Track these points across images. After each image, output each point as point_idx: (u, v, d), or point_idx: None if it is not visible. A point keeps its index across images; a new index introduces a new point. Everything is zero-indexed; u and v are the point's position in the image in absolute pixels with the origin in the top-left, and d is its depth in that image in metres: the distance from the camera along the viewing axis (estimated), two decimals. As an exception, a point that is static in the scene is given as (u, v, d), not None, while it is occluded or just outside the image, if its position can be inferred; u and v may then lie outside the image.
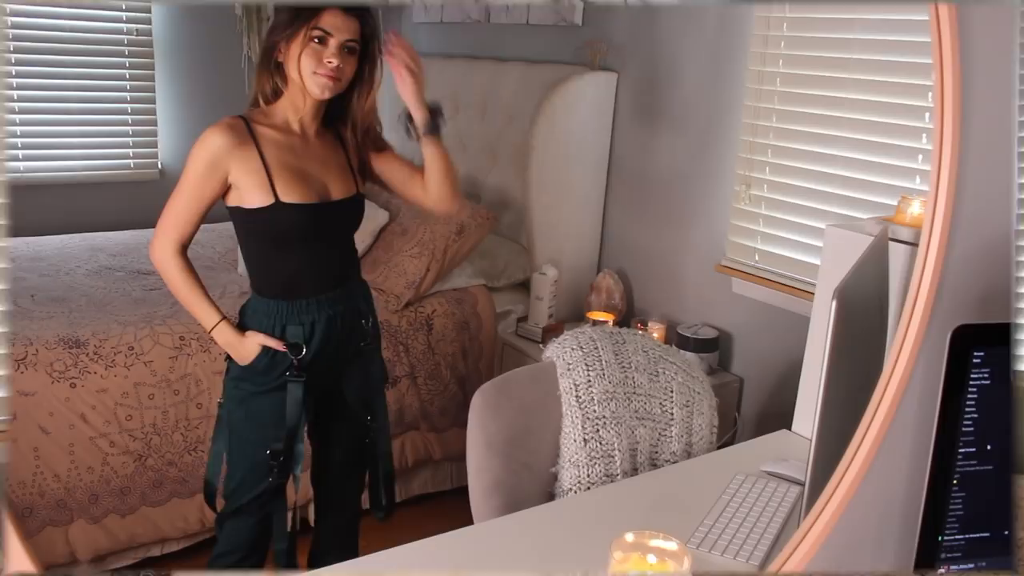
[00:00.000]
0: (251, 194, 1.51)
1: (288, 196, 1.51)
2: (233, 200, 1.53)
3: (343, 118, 1.60)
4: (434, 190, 1.66)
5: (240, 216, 1.54)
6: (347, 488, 1.85)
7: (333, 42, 1.48)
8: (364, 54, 1.55)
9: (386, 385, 1.83)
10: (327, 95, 1.52)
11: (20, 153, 3.04)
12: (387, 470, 1.83)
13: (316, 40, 1.48)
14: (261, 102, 1.56)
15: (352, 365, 1.70)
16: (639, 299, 2.65)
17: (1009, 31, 1.04)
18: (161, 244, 1.53)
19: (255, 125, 1.53)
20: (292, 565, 1.70)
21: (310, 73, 1.49)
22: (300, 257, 1.57)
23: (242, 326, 1.59)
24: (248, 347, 1.56)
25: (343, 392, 1.72)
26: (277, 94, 1.55)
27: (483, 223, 2.59)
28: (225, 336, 1.57)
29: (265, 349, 1.56)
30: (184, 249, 1.55)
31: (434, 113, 1.60)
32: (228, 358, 1.61)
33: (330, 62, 1.48)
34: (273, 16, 1.51)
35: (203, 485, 1.70)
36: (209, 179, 1.50)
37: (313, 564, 1.82)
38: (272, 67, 1.53)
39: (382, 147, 1.69)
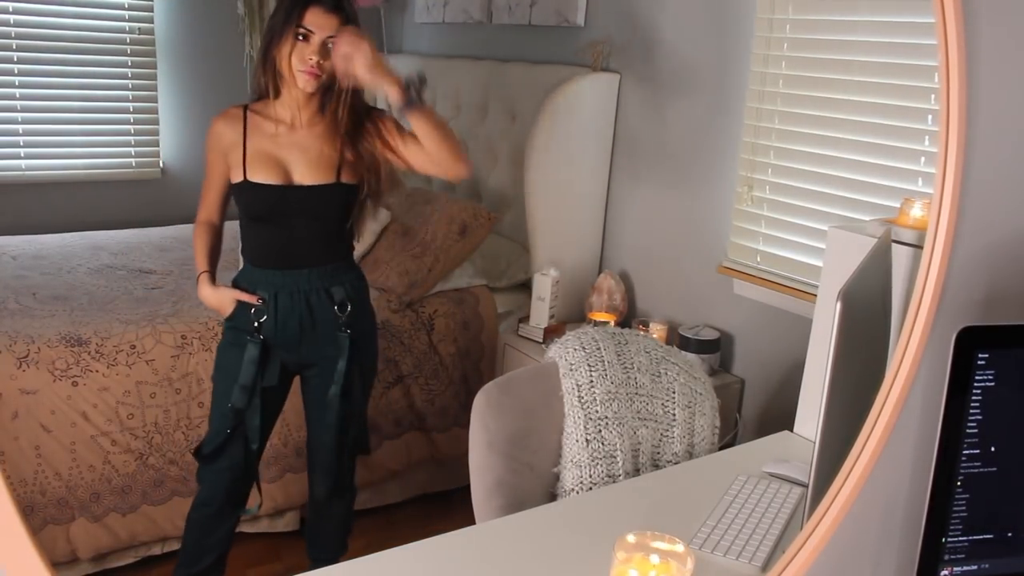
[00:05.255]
0: (233, 172, 1.71)
1: (255, 176, 1.68)
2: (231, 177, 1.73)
3: (332, 106, 1.71)
4: (434, 161, 1.70)
5: (231, 190, 1.75)
6: (319, 481, 1.91)
7: (315, 39, 1.62)
8: None
9: (371, 385, 1.89)
10: (310, 89, 1.66)
11: (22, 151, 3.04)
12: (343, 481, 1.92)
13: (301, 38, 1.61)
14: (269, 94, 1.69)
15: (326, 352, 1.77)
16: (640, 300, 2.65)
17: (1016, 31, 1.04)
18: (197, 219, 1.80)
19: (251, 114, 1.72)
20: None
21: (297, 70, 1.63)
22: (265, 231, 1.74)
23: (236, 285, 1.78)
24: (220, 299, 1.75)
25: (315, 378, 1.81)
26: (277, 90, 1.69)
27: (484, 223, 2.59)
28: (202, 287, 1.77)
29: (239, 305, 1.74)
30: (210, 222, 1.79)
31: (409, 86, 1.63)
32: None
33: (311, 59, 1.62)
34: (270, 16, 1.68)
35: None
36: (213, 159, 1.73)
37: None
38: (269, 65, 1.67)
39: (377, 118, 1.74)
